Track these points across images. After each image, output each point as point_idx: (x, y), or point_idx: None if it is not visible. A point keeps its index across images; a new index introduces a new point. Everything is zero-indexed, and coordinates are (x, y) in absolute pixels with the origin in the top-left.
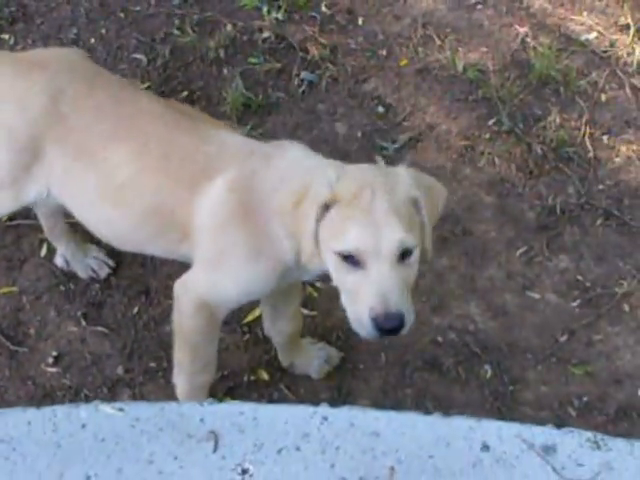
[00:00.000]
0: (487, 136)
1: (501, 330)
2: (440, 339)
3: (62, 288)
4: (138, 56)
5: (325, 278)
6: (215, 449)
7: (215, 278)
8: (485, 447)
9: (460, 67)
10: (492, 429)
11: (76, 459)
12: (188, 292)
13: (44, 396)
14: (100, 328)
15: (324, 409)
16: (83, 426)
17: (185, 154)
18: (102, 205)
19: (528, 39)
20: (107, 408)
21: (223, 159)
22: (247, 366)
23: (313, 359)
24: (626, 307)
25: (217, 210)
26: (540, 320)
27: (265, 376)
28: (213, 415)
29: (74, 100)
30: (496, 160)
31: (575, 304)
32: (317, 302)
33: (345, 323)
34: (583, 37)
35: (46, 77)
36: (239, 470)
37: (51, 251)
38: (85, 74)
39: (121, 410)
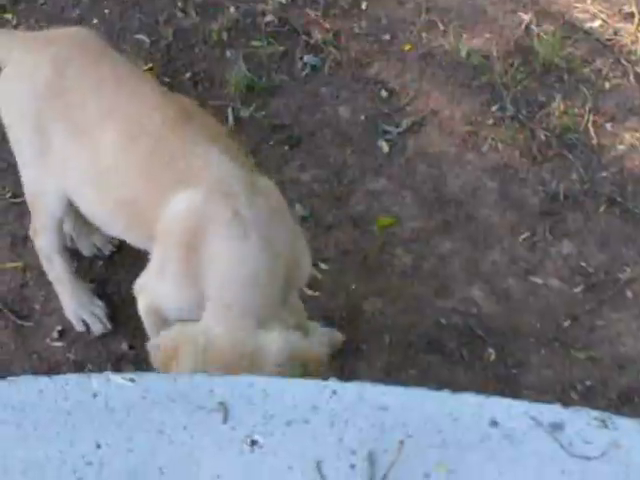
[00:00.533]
0: (490, 122)
1: (504, 314)
2: (443, 321)
3: None
4: (141, 37)
5: None
6: (225, 420)
7: (157, 288)
8: (493, 423)
9: (464, 53)
10: (500, 406)
11: (87, 428)
12: (141, 293)
13: (49, 370)
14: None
15: (333, 383)
16: (94, 395)
17: (170, 157)
18: (87, 187)
19: (532, 26)
20: (118, 378)
21: (200, 177)
22: None
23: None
24: (629, 293)
25: (172, 224)
26: (543, 305)
27: None
28: (223, 387)
29: (77, 75)
30: (499, 146)
31: (578, 290)
32: (321, 283)
33: (348, 304)
34: (587, 25)
35: (53, 51)
36: (248, 441)
37: None
38: (93, 51)
39: (132, 380)
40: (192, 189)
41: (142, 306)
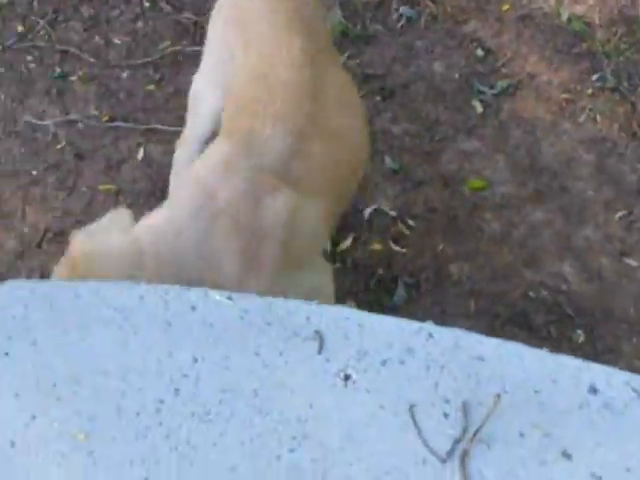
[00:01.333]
0: (589, 91)
1: (596, 295)
2: (532, 295)
3: (158, 194)
4: None
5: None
6: (320, 351)
7: None
8: (593, 390)
9: (564, 17)
10: (600, 373)
11: (185, 340)
12: None
13: None
14: None
15: (430, 326)
16: (193, 308)
17: (253, 121)
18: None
19: None
20: (216, 295)
21: (251, 160)
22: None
23: None
24: None
25: (194, 174)
26: (637, 290)
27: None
28: (319, 316)
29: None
30: (598, 117)
31: None
32: (409, 239)
33: (435, 265)
34: None
35: None
36: (342, 375)
37: (147, 155)
38: None
39: (229, 299)
40: (235, 166)
41: None
